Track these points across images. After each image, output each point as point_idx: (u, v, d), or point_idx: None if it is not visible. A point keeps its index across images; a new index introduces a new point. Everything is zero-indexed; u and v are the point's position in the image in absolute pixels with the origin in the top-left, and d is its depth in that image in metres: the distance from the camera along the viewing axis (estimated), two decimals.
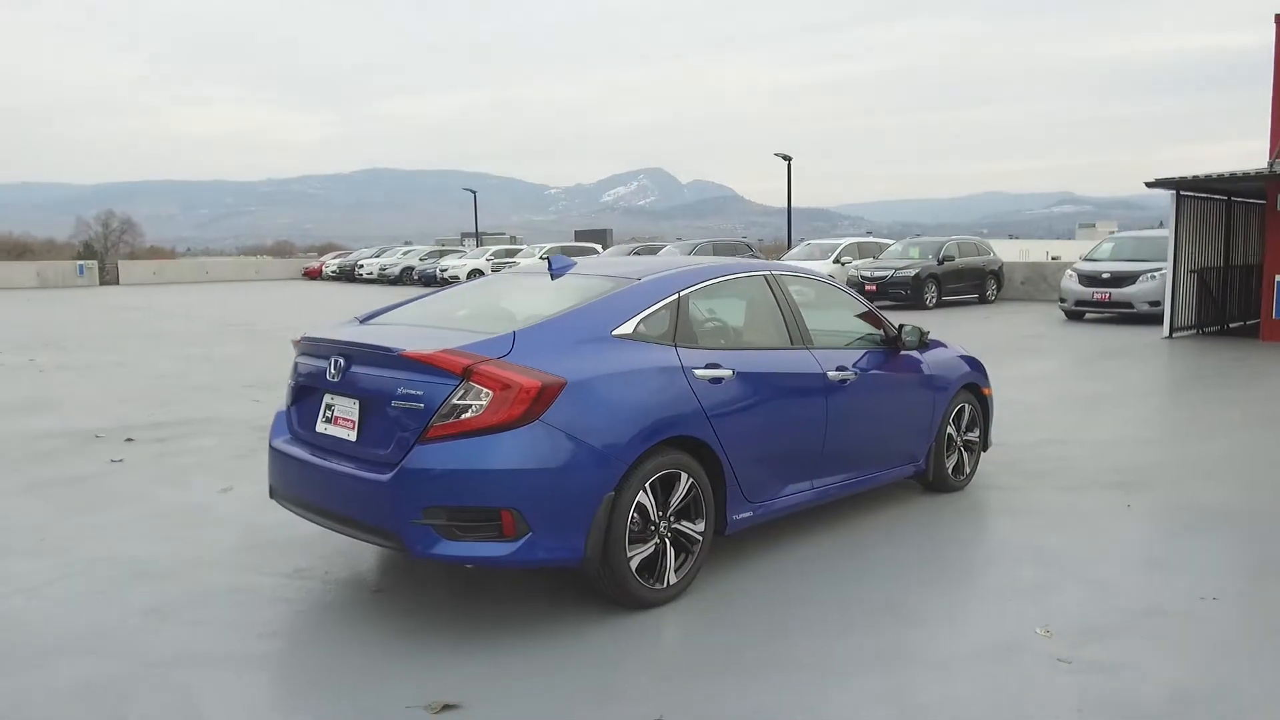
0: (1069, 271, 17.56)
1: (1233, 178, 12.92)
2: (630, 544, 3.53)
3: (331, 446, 3.57)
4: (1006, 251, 48.53)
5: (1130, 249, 17.38)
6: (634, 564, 3.54)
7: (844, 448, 4.60)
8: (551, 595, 3.80)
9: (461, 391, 3.23)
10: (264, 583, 3.95)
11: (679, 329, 3.89)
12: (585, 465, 3.32)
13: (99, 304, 24.49)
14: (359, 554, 4.29)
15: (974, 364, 5.74)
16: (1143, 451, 6.59)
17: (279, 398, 4.63)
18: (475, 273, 33.21)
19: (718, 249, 28.24)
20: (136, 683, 3.05)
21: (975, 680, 3.11)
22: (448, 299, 4.41)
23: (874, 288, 20.93)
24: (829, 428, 4.44)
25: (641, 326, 3.76)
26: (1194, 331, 14.49)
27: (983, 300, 22.18)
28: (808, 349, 4.44)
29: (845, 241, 24.40)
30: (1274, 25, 14.15)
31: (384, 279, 36.52)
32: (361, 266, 37.99)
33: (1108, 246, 18.14)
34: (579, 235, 72.26)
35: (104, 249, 77.20)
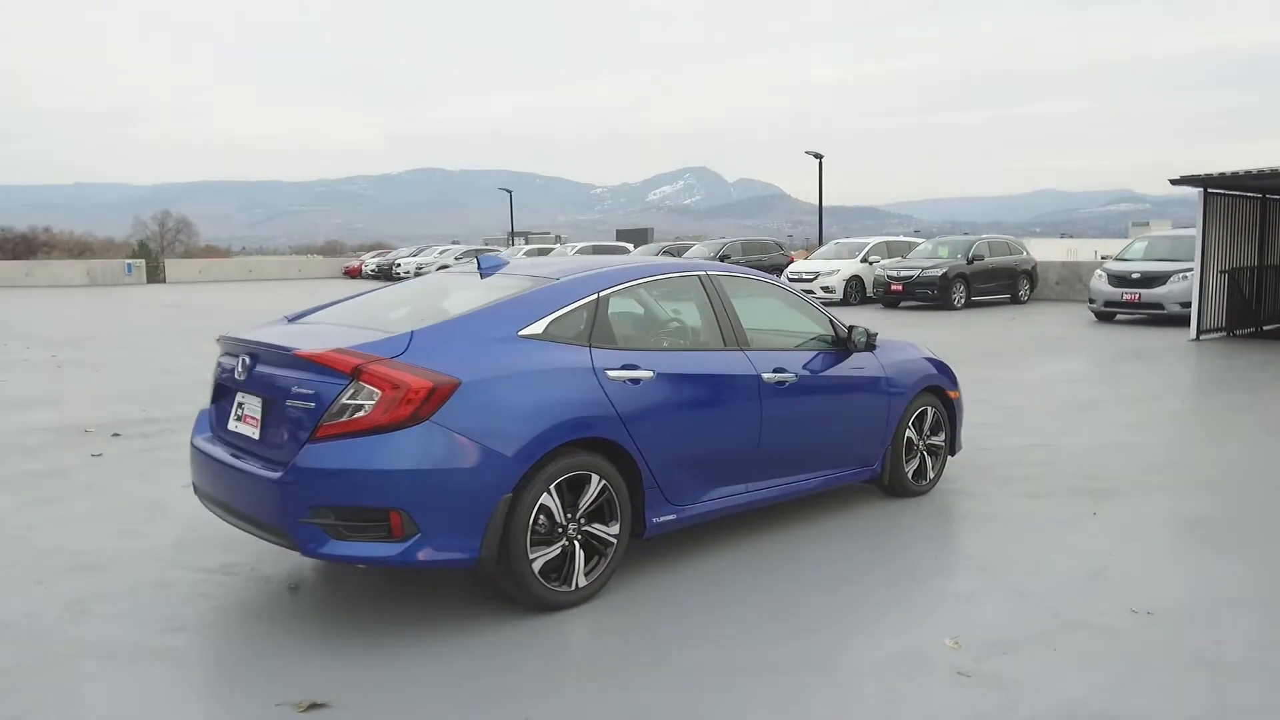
0: (1098, 272, 17.11)
1: (1264, 175, 12.46)
2: (534, 546, 3.52)
3: (241, 444, 3.62)
4: (1053, 251, 47.53)
5: (1164, 248, 16.87)
6: (537, 566, 3.52)
7: (784, 451, 4.53)
8: (469, 596, 3.80)
9: (351, 391, 3.24)
10: (190, 578, 4.02)
11: (596, 329, 3.86)
12: (479, 467, 3.31)
13: (138, 301, 25.16)
14: (288, 552, 4.33)
15: (939, 366, 5.63)
16: (1132, 457, 6.39)
17: None
18: None
19: (746, 248, 28.13)
20: (31, 673, 3.12)
21: (865, 691, 3.05)
22: (379, 298, 4.44)
23: (900, 288, 20.64)
24: (764, 430, 4.37)
25: (553, 327, 3.74)
26: (1224, 334, 14.02)
27: (1015, 301, 21.72)
28: (742, 350, 4.38)
29: (873, 241, 24.08)
30: None
31: (419, 277, 36.92)
32: (398, 265, 38.53)
33: (1140, 246, 17.64)
34: (620, 234, 72.34)
35: (160, 248, 79.39)
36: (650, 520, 3.93)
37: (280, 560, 4.23)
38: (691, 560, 4.28)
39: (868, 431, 5.03)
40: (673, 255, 29.19)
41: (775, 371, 4.45)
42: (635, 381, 3.85)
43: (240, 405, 3.66)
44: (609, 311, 3.97)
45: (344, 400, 3.24)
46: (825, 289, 22.32)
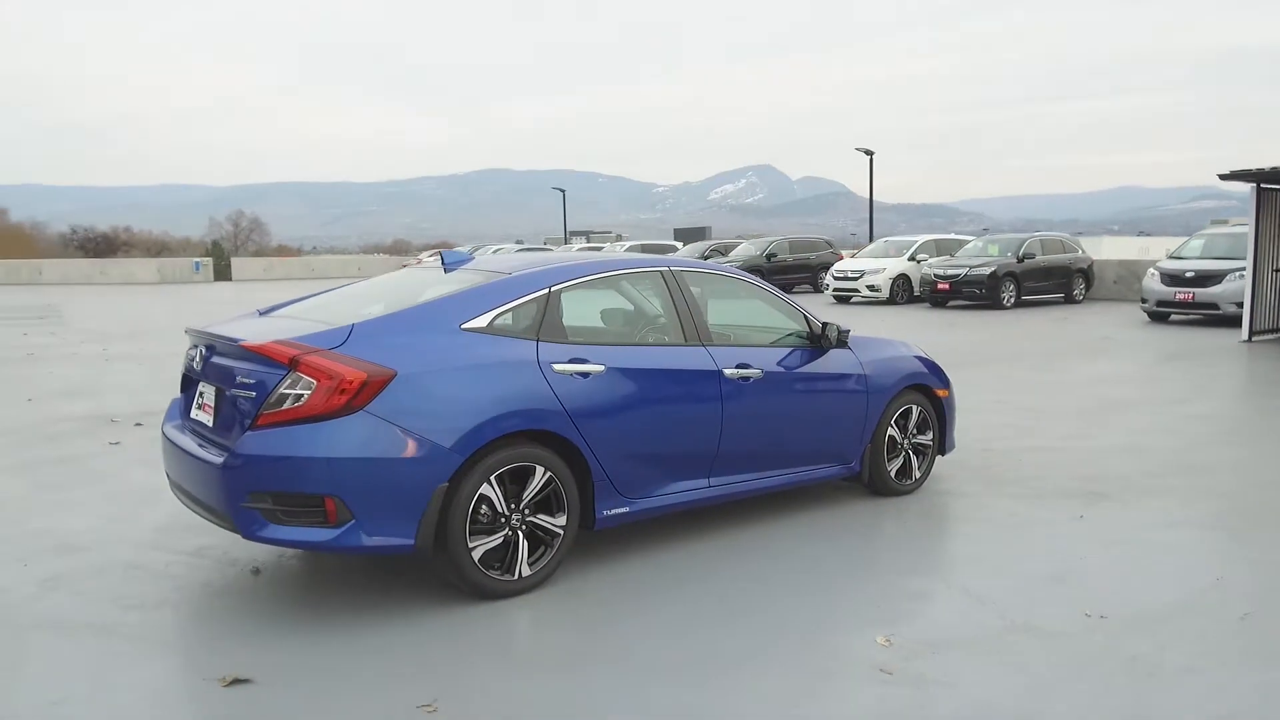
0: (1151, 270, 16.54)
1: None
2: (475, 535, 3.59)
3: (201, 431, 3.77)
4: (1126, 249, 45.81)
5: (1222, 246, 16.22)
6: (477, 555, 3.60)
7: (751, 447, 4.53)
8: (426, 584, 3.88)
9: (289, 381, 3.36)
10: (162, 559, 4.20)
11: (545, 324, 3.91)
12: (414, 457, 3.40)
13: (199, 298, 26.10)
14: None
15: (927, 364, 5.56)
16: (1142, 461, 6.20)
17: None
18: None
19: (794, 246, 27.87)
20: (24, 630, 3.32)
21: (782, 686, 3.04)
22: (351, 292, 4.56)
23: (947, 286, 20.26)
24: (727, 426, 4.37)
25: (499, 321, 3.81)
26: (1278, 336, 13.43)
27: (1069, 300, 21.13)
28: (703, 346, 4.38)
29: (921, 239, 23.67)
30: None
31: (395, 273, 37.53)
32: None
33: (1197, 243, 16.99)
34: (677, 233, 72.37)
35: (233, 247, 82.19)
36: (600, 513, 3.97)
37: (253, 546, 4.38)
38: (650, 552, 4.31)
39: (844, 429, 4.99)
40: (720, 253, 29.12)
41: (738, 367, 4.45)
42: (584, 375, 3.89)
43: (201, 394, 3.82)
44: (560, 306, 4.02)
45: (282, 390, 3.36)
46: (870, 288, 22.02)
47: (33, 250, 63.20)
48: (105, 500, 5.22)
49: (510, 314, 3.85)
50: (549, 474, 3.76)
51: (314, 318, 3.92)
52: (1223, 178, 12.73)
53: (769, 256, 26.84)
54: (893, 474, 5.29)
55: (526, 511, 3.74)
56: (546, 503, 3.81)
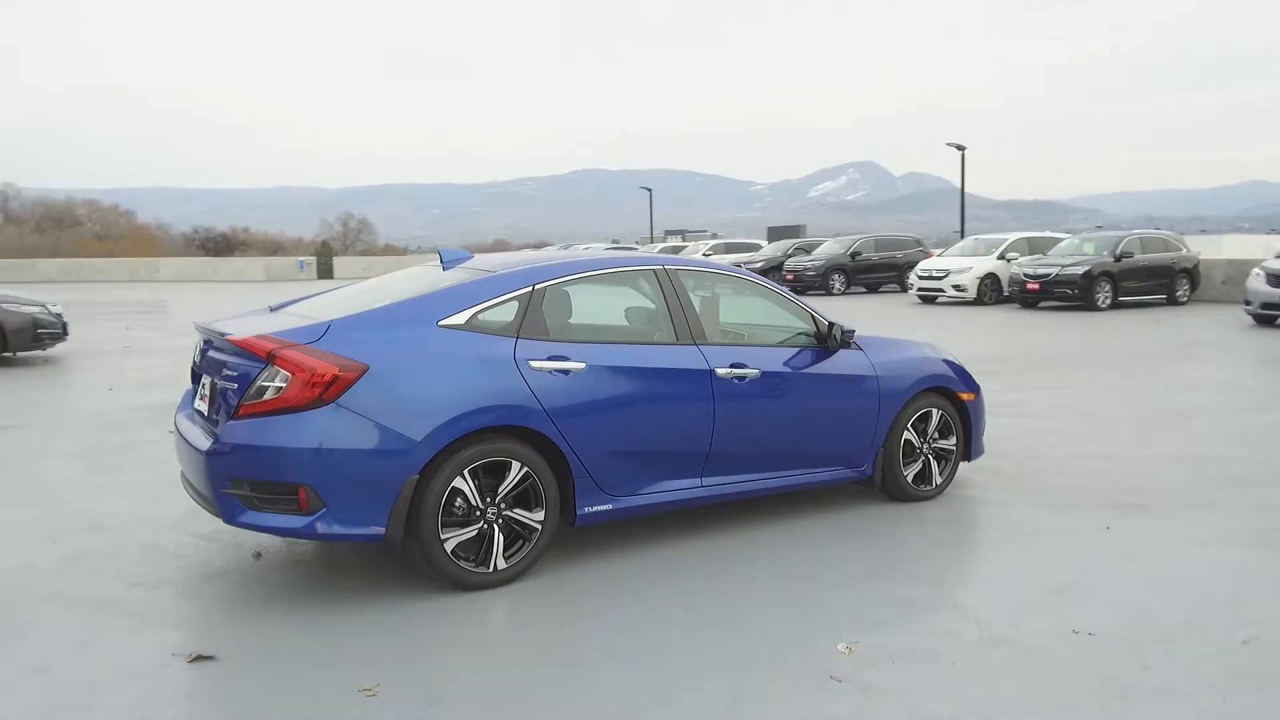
0: (1255, 270, 15.48)
1: None
2: (448, 526, 3.67)
3: (198, 420, 3.97)
4: (1250, 248, 42.91)
5: None
6: (450, 546, 3.68)
7: (746, 447, 4.48)
8: (414, 572, 3.98)
9: (267, 374, 3.51)
10: (178, 541, 4.43)
11: (527, 321, 3.96)
12: (385, 449, 3.50)
13: (295, 294, 27.26)
14: None
15: (952, 367, 5.38)
16: (1194, 472, 5.86)
17: None
18: None
19: (880, 244, 27.25)
20: (23, 602, 3.59)
21: (727, 686, 3.01)
22: (358, 288, 4.70)
23: (1037, 286, 19.45)
24: (719, 426, 4.34)
25: (478, 318, 3.88)
26: None
27: (1171, 301, 19.99)
28: (695, 345, 4.36)
29: (1012, 237, 22.79)
30: None
31: (403, 270, 38.14)
32: None
33: None
34: (770, 231, 71.64)
35: (342, 247, 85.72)
36: (581, 509, 4.00)
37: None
38: (639, 550, 4.32)
39: (852, 432, 4.88)
40: (805, 251, 28.72)
41: (733, 367, 4.40)
42: (564, 373, 3.93)
43: (202, 385, 4.03)
44: (544, 304, 4.06)
45: (260, 382, 3.51)
46: (956, 288, 21.33)
47: (158, 249, 67.36)
48: (146, 485, 5.54)
49: (490, 311, 3.92)
50: (526, 469, 3.81)
51: (311, 314, 4.08)
52: None
53: (853, 255, 26.31)
54: (910, 479, 5.14)
55: (503, 506, 3.80)
56: (525, 497, 3.86)
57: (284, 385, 3.47)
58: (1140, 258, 19.71)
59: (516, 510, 3.84)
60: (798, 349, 4.76)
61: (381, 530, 3.54)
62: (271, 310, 4.52)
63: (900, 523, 4.87)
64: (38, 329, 10.72)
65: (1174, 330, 14.78)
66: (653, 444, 4.18)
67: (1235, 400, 8.53)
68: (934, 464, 5.25)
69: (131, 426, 7.35)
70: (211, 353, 3.90)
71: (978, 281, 21.27)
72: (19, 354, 10.89)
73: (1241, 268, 20.68)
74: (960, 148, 28.68)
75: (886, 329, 14.76)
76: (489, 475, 3.77)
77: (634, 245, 39.61)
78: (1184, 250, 20.86)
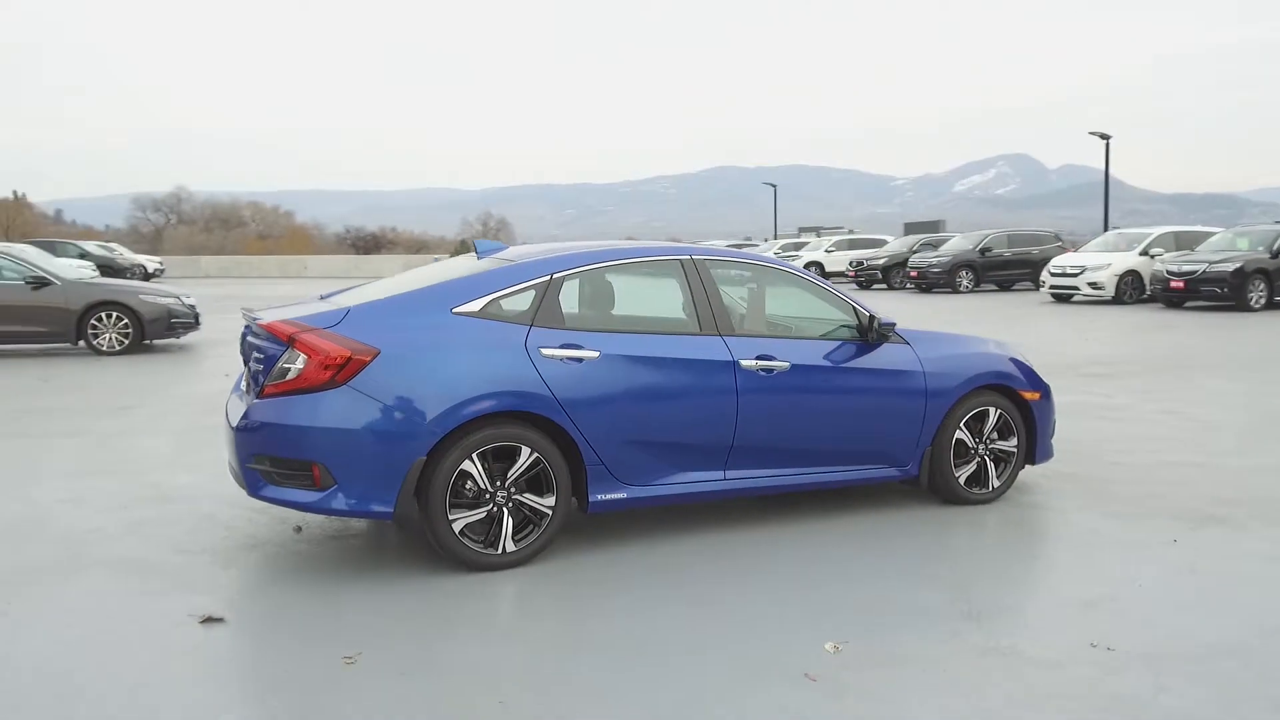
0: None
1: None
2: (457, 508, 3.77)
3: (241, 400, 4.23)
4: None
5: None
6: (457, 527, 3.77)
7: (773, 441, 4.40)
8: (430, 554, 4.12)
9: (288, 356, 3.70)
10: (232, 514, 4.73)
11: (542, 310, 4.01)
12: (394, 430, 3.63)
13: None
14: None
15: (1015, 365, 5.09)
16: None
17: None
18: None
19: (1013, 240, 25.95)
20: (46, 570, 3.94)
21: (703, 680, 2.97)
22: (392, 281, 4.85)
23: (1181, 284, 18.05)
24: (743, 418, 4.27)
25: (493, 306, 3.96)
26: None
27: None
28: (720, 336, 4.30)
29: (1157, 231, 21.19)
30: None
31: (443, 261, 38.32)
32: None
33: None
34: (908, 227, 69.51)
35: None
36: (594, 497, 4.02)
37: None
38: (658, 541, 4.30)
39: (894, 429, 4.69)
40: (932, 247, 27.69)
41: (760, 359, 4.32)
42: (578, 360, 3.96)
43: (247, 368, 4.29)
44: (560, 293, 4.10)
45: (282, 364, 3.71)
46: (1092, 286, 20.06)
47: (312, 248, 71.89)
48: (221, 463, 5.91)
49: (506, 299, 3.99)
50: (536, 455, 3.87)
51: (346, 302, 4.27)
52: None
53: (983, 251, 25.17)
54: (962, 481, 4.90)
55: (512, 490, 3.87)
56: (537, 483, 3.92)
57: (302, 367, 3.66)
58: None
59: (527, 495, 3.90)
60: (836, 342, 4.62)
61: (390, 509, 3.68)
62: (321, 299, 4.76)
63: (949, 526, 4.65)
64: (171, 319, 11.66)
65: None
66: (670, 434, 4.15)
67: None
68: (991, 466, 4.98)
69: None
70: (249, 338, 4.15)
71: (1116, 279, 19.93)
72: (155, 341, 11.86)
73: None
74: (1105, 137, 26.90)
75: (1001, 329, 14.09)
76: (499, 460, 3.84)
77: (754, 242, 39.23)
78: None
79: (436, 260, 6.04)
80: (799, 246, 34.01)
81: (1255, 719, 2.75)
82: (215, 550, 4.18)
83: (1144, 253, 20.39)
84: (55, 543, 4.27)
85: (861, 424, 4.61)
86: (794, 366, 4.40)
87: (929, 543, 4.40)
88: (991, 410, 4.94)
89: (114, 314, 11.38)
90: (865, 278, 28.11)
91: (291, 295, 25.29)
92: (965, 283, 24.75)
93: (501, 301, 3.99)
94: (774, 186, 46.85)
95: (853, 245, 32.39)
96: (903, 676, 3.00)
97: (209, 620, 3.36)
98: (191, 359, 11.42)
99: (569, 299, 4.13)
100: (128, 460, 5.98)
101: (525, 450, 3.85)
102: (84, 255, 29.24)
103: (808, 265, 32.08)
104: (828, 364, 4.52)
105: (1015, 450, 5.04)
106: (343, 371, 3.63)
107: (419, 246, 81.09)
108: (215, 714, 2.72)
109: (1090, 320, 16.09)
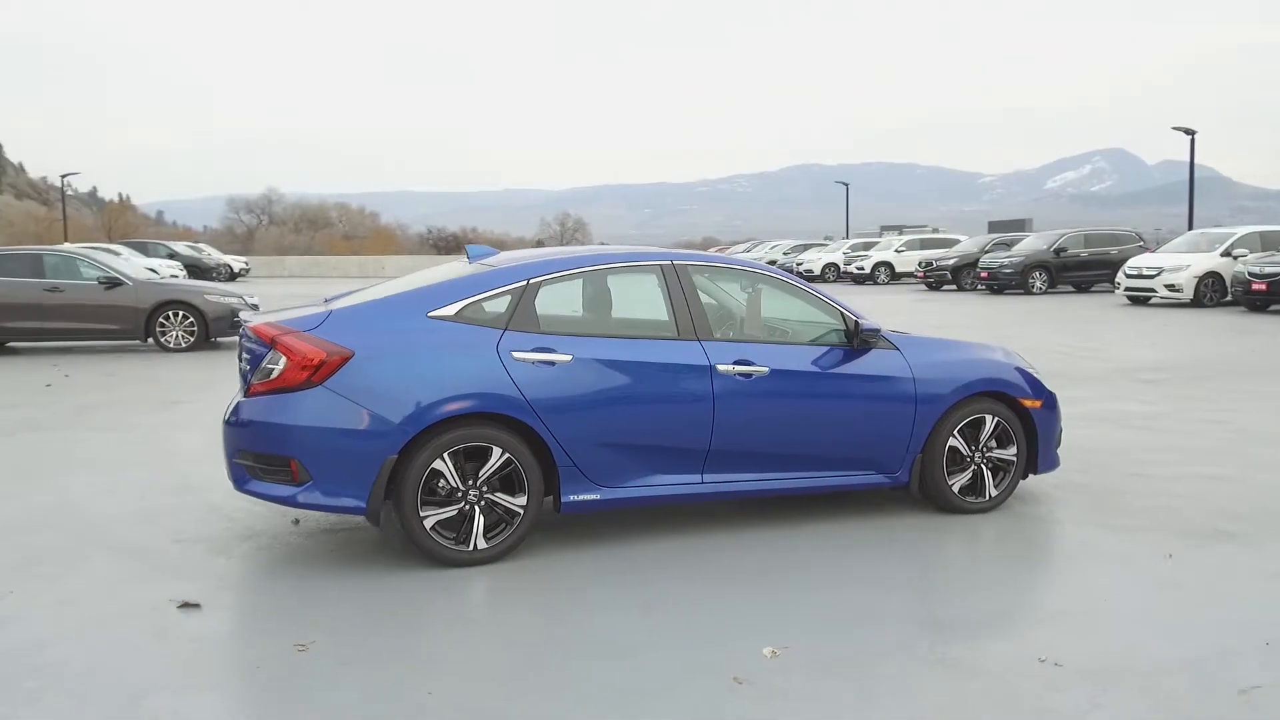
0: None
1: None
2: (428, 505, 3.92)
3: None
4: None
5: None
6: (428, 523, 3.91)
7: (753, 446, 4.42)
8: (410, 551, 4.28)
9: (271, 357, 3.90)
10: (238, 506, 4.95)
11: (518, 314, 4.12)
12: (365, 429, 3.80)
13: None
14: None
15: (1018, 372, 4.97)
16: None
17: None
18: (829, 267, 33.16)
19: (1090, 240, 25.02)
20: (51, 550, 4.24)
21: (638, 677, 3.04)
22: (392, 284, 5.03)
23: (1263, 286, 17.15)
24: (720, 422, 4.30)
25: (469, 310, 4.08)
26: None
27: None
28: (698, 341, 4.34)
29: (1241, 231, 20.18)
30: None
31: (446, 265, 38.09)
32: None
33: None
34: (992, 225, 67.74)
35: (560, 245, 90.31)
36: (567, 498, 4.12)
37: None
38: (635, 542, 4.36)
39: (881, 435, 4.65)
40: (1005, 246, 26.92)
41: (737, 364, 4.35)
42: (550, 364, 4.06)
43: (240, 368, 4.52)
44: (538, 298, 4.20)
45: (266, 364, 3.91)
46: (1170, 287, 19.21)
47: (395, 248, 73.93)
48: None
49: (481, 304, 4.11)
50: (507, 455, 3.98)
51: (336, 306, 4.46)
52: None
53: (1057, 251, 24.35)
54: (956, 489, 4.82)
55: (485, 489, 3.99)
56: (510, 482, 4.03)
57: (282, 367, 3.85)
58: None
59: (499, 494, 4.02)
60: (819, 347, 4.61)
61: (363, 504, 3.84)
62: (326, 301, 4.97)
63: (937, 534, 4.59)
64: (235, 318, 12.22)
65: None
66: (645, 437, 4.21)
67: None
68: (988, 475, 4.89)
69: None
70: (244, 340, 4.38)
71: (1195, 281, 19.04)
72: (219, 339, 12.45)
73: None
74: (1189, 131, 25.71)
75: (1064, 333, 13.67)
76: (471, 459, 3.97)
77: (824, 241, 38.76)
78: None
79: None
80: (868, 246, 33.43)
81: None
82: (212, 539, 4.42)
83: (1226, 253, 19.44)
84: (70, 530, 4.57)
85: (846, 430, 4.59)
86: (773, 371, 4.41)
87: (908, 550, 4.36)
88: (988, 418, 4.85)
89: (180, 313, 12.00)
90: (934, 279, 27.49)
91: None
92: (1039, 284, 23.98)
93: (477, 306, 4.11)
94: (845, 185, 46.19)
95: (924, 245, 31.67)
96: (835, 683, 3.01)
97: (185, 606, 3.57)
98: None
99: (546, 304, 4.23)
100: (161, 453, 6.33)
101: (496, 451, 3.97)
102: (172, 255, 30.75)
103: (877, 265, 31.55)
104: (809, 369, 4.51)
105: (1014, 459, 4.93)
106: (318, 372, 3.80)
107: (497, 246, 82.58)
108: (148, 692, 2.91)
109: (1162, 324, 15.46)
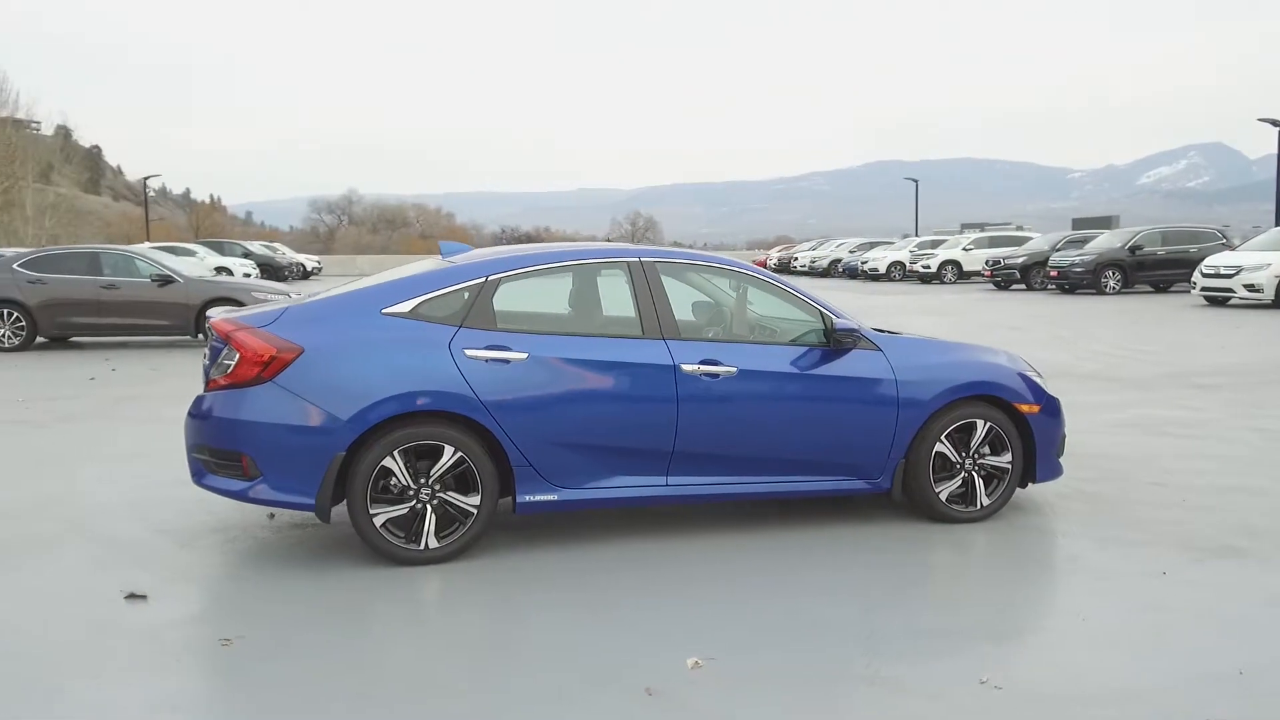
0: None
1: None
2: (379, 503, 3.90)
3: None
4: None
5: None
6: (379, 521, 3.90)
7: (720, 448, 4.29)
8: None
9: (227, 353, 3.93)
10: (222, 500, 4.93)
11: (474, 311, 4.07)
12: (314, 425, 3.80)
13: None
14: None
15: (1012, 375, 4.72)
16: None
17: None
18: (895, 265, 32.39)
19: (1168, 238, 23.85)
20: (47, 538, 4.37)
21: (555, 684, 2.97)
22: (361, 280, 4.98)
23: None
24: (684, 424, 4.19)
25: (424, 307, 4.05)
26: None
27: None
28: (663, 340, 4.23)
29: None
30: None
31: (814, 271, 37.47)
32: (795, 259, 39.37)
33: None
34: (1076, 223, 65.40)
35: (631, 244, 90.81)
36: (521, 498, 4.05)
37: None
38: (596, 544, 4.28)
39: (858, 439, 4.46)
40: (1078, 244, 25.87)
41: (704, 364, 4.22)
42: (504, 362, 4.00)
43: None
44: (496, 295, 4.14)
45: (223, 360, 3.95)
46: (1249, 287, 18.15)
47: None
48: None
49: (436, 301, 4.07)
50: (460, 454, 3.94)
51: (299, 302, 4.49)
52: None
53: (1133, 249, 23.28)
54: (944, 497, 4.59)
55: (436, 487, 3.95)
56: (464, 481, 3.99)
57: (234, 363, 3.88)
58: None
59: (451, 494, 3.98)
60: (796, 347, 4.45)
61: (311, 500, 3.84)
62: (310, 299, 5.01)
63: (919, 544, 4.38)
64: None
65: None
66: (604, 438, 4.12)
67: None
68: (979, 483, 4.65)
69: None
70: (210, 335, 4.44)
71: (1277, 281, 17.97)
72: None
73: None
74: (1275, 123, 24.26)
75: (1128, 334, 13.05)
76: (425, 458, 3.94)
77: (890, 240, 37.89)
78: None
79: None
80: (935, 244, 32.52)
81: None
82: (185, 532, 4.50)
83: None
84: (59, 519, 4.71)
85: (821, 433, 4.42)
86: (742, 372, 4.27)
87: (881, 560, 4.17)
88: (979, 423, 4.61)
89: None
90: (1002, 278, 26.59)
91: None
92: (1112, 284, 22.96)
93: (432, 303, 4.07)
94: (915, 181, 45.12)
95: (993, 243, 30.68)
96: (753, 697, 2.87)
97: (132, 597, 3.63)
98: None
99: (503, 301, 4.17)
100: (173, 446, 6.47)
101: (449, 449, 3.93)
102: (247, 254, 31.81)
103: (944, 264, 30.67)
104: (781, 369, 4.36)
105: (1009, 467, 4.68)
106: (269, 368, 3.82)
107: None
108: (65, 681, 2.96)
109: (1235, 326, 14.63)
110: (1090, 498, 5.08)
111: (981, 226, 47.84)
